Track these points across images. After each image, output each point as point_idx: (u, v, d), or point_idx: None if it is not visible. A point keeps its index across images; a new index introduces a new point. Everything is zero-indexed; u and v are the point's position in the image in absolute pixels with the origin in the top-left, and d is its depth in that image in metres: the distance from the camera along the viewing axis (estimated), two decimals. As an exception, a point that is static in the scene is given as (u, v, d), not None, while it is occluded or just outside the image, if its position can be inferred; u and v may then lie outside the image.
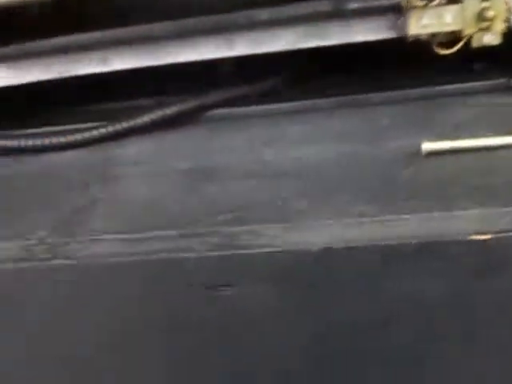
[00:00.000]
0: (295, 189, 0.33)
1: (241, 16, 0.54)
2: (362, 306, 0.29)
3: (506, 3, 0.45)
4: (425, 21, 0.43)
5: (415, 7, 0.43)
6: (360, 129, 0.42)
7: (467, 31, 0.44)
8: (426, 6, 0.43)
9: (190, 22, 0.50)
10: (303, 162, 0.37)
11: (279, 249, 0.28)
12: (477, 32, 0.45)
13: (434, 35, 0.45)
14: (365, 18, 0.48)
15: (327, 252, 0.27)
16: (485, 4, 0.43)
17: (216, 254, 0.29)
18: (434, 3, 0.43)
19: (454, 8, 0.43)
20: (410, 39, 0.45)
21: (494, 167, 0.34)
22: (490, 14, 0.43)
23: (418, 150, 0.36)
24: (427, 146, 0.35)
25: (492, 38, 0.46)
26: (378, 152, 0.39)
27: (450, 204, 0.29)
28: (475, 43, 0.46)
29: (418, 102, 0.48)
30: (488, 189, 0.30)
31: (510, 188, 0.30)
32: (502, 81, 0.50)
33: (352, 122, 0.43)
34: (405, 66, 0.51)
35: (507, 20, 0.45)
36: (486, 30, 0.45)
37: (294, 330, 0.29)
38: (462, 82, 0.51)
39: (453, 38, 0.45)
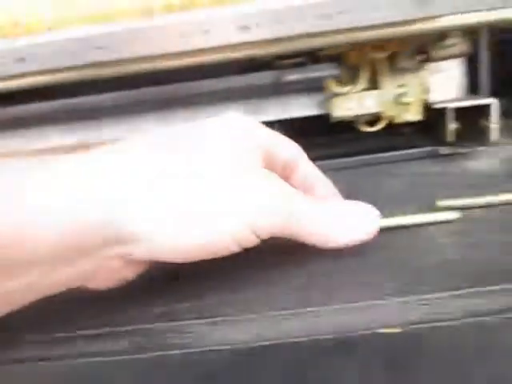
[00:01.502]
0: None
1: (182, 88, 0.56)
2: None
3: (421, 84, 0.47)
4: (347, 104, 0.45)
5: (336, 94, 0.45)
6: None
7: (387, 113, 0.46)
8: (347, 92, 0.45)
9: (128, 94, 0.51)
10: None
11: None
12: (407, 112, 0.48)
13: (357, 116, 0.47)
14: (302, 94, 0.49)
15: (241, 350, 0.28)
16: (402, 90, 0.45)
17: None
18: (356, 90, 0.45)
19: (374, 93, 0.46)
20: (335, 120, 0.47)
21: (415, 250, 0.35)
22: (406, 99, 0.45)
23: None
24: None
25: (415, 114, 0.48)
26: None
27: (368, 294, 0.29)
28: (397, 120, 0.48)
29: (347, 171, 0.50)
30: (404, 276, 0.31)
31: (428, 275, 0.30)
32: (429, 149, 0.51)
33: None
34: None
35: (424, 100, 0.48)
36: (406, 111, 0.46)
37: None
38: (390, 150, 0.52)
39: (376, 117, 0.47)
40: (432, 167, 0.53)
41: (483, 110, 0.50)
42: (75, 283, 0.28)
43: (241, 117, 0.32)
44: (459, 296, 0.28)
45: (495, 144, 0.54)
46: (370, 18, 0.36)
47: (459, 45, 0.43)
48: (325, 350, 0.28)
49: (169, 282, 0.33)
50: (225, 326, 0.29)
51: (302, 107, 0.52)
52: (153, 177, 0.27)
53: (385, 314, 0.28)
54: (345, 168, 0.53)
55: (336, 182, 0.44)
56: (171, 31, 0.37)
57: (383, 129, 0.55)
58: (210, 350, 0.28)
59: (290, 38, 0.37)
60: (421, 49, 0.45)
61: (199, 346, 0.28)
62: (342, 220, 0.32)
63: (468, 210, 0.40)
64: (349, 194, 0.42)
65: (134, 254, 0.28)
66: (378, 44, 0.44)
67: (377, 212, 0.32)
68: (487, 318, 0.27)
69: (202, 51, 0.37)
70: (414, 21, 0.37)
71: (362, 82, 0.46)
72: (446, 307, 0.28)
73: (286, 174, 0.33)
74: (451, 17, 0.37)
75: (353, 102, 0.47)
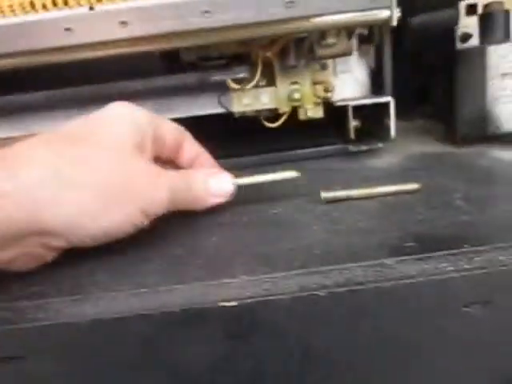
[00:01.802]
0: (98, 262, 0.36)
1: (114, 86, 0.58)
2: (140, 376, 0.31)
3: (324, 83, 0.50)
4: (245, 101, 0.48)
5: (234, 89, 0.47)
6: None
7: (283, 109, 0.49)
8: (242, 89, 0.47)
9: (48, 94, 0.53)
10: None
11: (59, 321, 0.30)
12: (301, 107, 0.50)
13: (258, 111, 0.49)
14: (208, 93, 0.52)
15: (97, 323, 0.30)
16: (293, 87, 0.48)
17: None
18: (249, 86, 0.47)
19: (269, 90, 0.48)
20: (237, 115, 0.50)
21: (280, 235, 0.37)
22: (297, 95, 0.47)
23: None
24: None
25: (315, 112, 0.50)
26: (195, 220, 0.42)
27: (222, 273, 0.32)
28: (302, 116, 0.51)
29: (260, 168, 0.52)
30: (255, 259, 0.34)
31: (276, 258, 0.33)
32: (339, 147, 0.54)
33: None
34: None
35: (327, 98, 0.50)
36: (300, 107, 0.49)
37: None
38: (302, 148, 0.55)
39: (276, 113, 0.50)
40: (338, 163, 0.55)
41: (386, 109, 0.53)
42: (1, 265, 0.32)
43: (127, 106, 0.37)
44: (295, 275, 0.31)
45: (396, 141, 0.57)
46: (243, 17, 0.39)
47: (340, 44, 0.46)
48: (172, 323, 0.30)
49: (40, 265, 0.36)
50: (85, 302, 0.31)
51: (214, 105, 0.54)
52: (59, 177, 0.31)
53: (227, 290, 0.30)
54: (258, 165, 0.55)
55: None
56: (55, 26, 0.39)
57: (298, 127, 0.58)
58: (66, 323, 0.30)
59: (167, 35, 0.39)
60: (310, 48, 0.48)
61: (57, 319, 0.30)
62: (207, 187, 0.40)
63: (350, 200, 0.43)
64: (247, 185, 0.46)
65: (52, 244, 0.32)
66: (265, 43, 0.46)
67: (232, 179, 0.41)
68: (319, 293, 0.29)
69: (86, 46, 0.39)
70: (283, 20, 0.39)
71: (256, 79, 0.48)
72: (280, 285, 0.30)
73: (173, 153, 0.41)
74: (322, 17, 0.40)
75: (249, 98, 0.49)
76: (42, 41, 0.38)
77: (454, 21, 0.53)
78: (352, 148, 0.55)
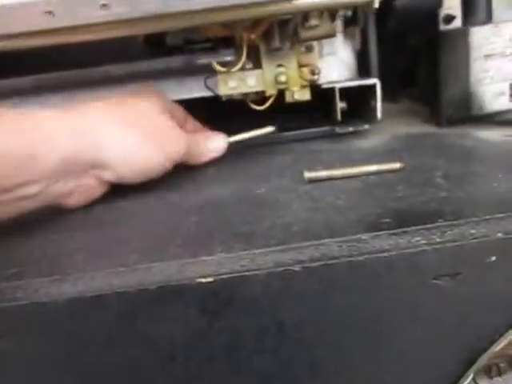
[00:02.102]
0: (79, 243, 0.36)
1: (97, 71, 0.58)
2: (118, 353, 0.31)
3: (304, 69, 0.50)
4: (232, 84, 0.48)
5: (220, 72, 0.47)
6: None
7: (269, 92, 0.49)
8: (228, 71, 0.47)
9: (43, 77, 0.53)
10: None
11: (37, 301, 0.31)
12: (287, 90, 0.50)
13: (245, 94, 0.49)
14: (195, 77, 0.52)
15: (75, 302, 0.30)
16: (280, 70, 0.48)
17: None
18: (235, 69, 0.47)
19: (255, 73, 0.48)
20: (224, 98, 0.50)
21: (263, 214, 0.37)
22: (283, 78, 0.47)
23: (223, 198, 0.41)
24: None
25: (302, 94, 0.50)
26: (178, 200, 0.42)
27: (200, 250, 0.32)
28: (288, 99, 0.51)
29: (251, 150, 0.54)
30: (247, 235, 0.34)
31: (256, 236, 0.33)
32: (327, 128, 0.54)
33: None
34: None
35: (311, 80, 0.50)
36: (286, 89, 0.49)
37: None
38: (291, 130, 0.55)
39: (263, 95, 0.50)
40: (324, 145, 0.55)
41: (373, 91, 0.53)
42: (61, 198, 0.41)
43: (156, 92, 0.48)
44: (272, 251, 0.31)
45: (382, 123, 0.57)
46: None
47: (324, 26, 0.46)
48: (149, 300, 0.30)
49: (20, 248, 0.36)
50: (63, 282, 0.31)
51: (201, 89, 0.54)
52: (113, 125, 0.41)
53: (204, 266, 0.31)
54: (245, 147, 0.55)
55: (236, 158, 0.52)
56: (35, 9, 0.39)
57: (289, 110, 0.58)
58: (44, 302, 0.30)
59: (149, 18, 0.39)
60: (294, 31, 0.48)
61: (35, 299, 0.30)
62: (208, 144, 0.50)
63: (333, 180, 0.43)
64: (236, 167, 0.49)
65: (104, 176, 0.42)
66: (249, 25, 0.46)
67: (225, 137, 0.51)
68: (293, 268, 0.30)
69: (67, 29, 0.39)
70: (266, 2, 0.39)
71: (242, 62, 0.48)
72: (256, 261, 0.30)
73: (181, 124, 0.49)
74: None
75: (236, 81, 0.49)
76: (23, 24, 0.38)
77: (438, 2, 0.53)
78: (338, 130, 0.55)
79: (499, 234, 0.29)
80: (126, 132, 0.41)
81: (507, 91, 0.50)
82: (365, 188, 0.40)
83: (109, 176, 0.42)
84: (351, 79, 0.55)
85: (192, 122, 0.52)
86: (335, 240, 0.31)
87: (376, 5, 0.39)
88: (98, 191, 0.43)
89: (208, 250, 0.32)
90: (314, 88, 0.53)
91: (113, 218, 0.39)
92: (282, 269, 0.29)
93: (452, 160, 0.44)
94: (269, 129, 0.52)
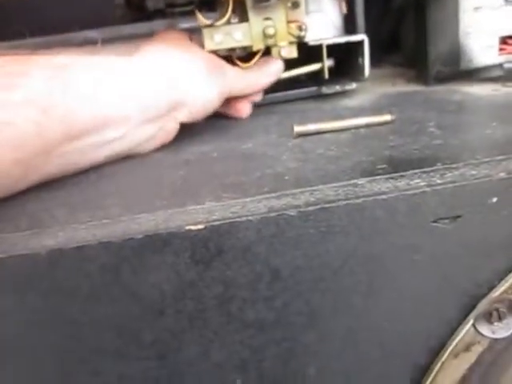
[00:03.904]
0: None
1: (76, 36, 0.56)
2: (103, 307, 0.29)
3: (296, 22, 0.48)
4: (217, 38, 0.45)
5: (205, 26, 0.44)
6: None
7: (257, 47, 0.46)
8: (212, 25, 0.44)
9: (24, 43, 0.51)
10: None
11: (16, 253, 0.28)
12: (274, 46, 0.48)
13: (231, 50, 0.47)
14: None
15: (57, 254, 0.28)
16: (267, 23, 0.45)
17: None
18: (220, 23, 0.44)
19: (242, 26, 0.45)
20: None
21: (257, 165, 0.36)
22: (271, 31, 0.45)
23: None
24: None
25: (289, 52, 0.48)
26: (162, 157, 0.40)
27: (189, 201, 0.30)
28: (275, 56, 0.48)
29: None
30: (237, 185, 0.32)
31: (248, 185, 0.31)
32: (314, 88, 0.52)
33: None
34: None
35: (298, 36, 0.48)
36: (275, 45, 0.46)
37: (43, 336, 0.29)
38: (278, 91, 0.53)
39: (250, 51, 0.47)
40: (311, 105, 0.53)
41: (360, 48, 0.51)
42: (139, 146, 0.40)
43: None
44: (265, 198, 0.29)
45: (368, 84, 0.54)
46: None
47: None
48: (135, 250, 0.28)
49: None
50: (43, 235, 0.29)
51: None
52: (179, 62, 0.42)
53: (193, 215, 0.28)
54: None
55: (219, 121, 0.50)
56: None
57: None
58: (24, 255, 0.28)
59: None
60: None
61: (14, 252, 0.28)
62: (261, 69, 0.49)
63: (323, 133, 0.41)
64: (220, 127, 0.47)
65: (179, 117, 0.42)
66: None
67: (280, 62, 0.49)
68: (288, 212, 0.27)
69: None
70: None
71: (228, 15, 0.45)
72: (248, 207, 0.28)
73: None
74: None
75: (222, 36, 0.47)
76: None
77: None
78: (325, 90, 0.53)
79: (501, 174, 0.27)
80: (193, 68, 0.42)
81: (496, 44, 0.48)
82: (356, 139, 0.38)
83: (184, 115, 0.41)
84: (337, 36, 0.52)
85: None
86: (330, 185, 0.29)
87: None
88: (172, 134, 0.42)
89: (197, 200, 0.29)
90: (300, 47, 0.51)
91: (94, 175, 0.37)
92: (276, 214, 0.27)
93: (443, 112, 0.42)
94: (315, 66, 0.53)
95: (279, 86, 0.54)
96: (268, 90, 0.52)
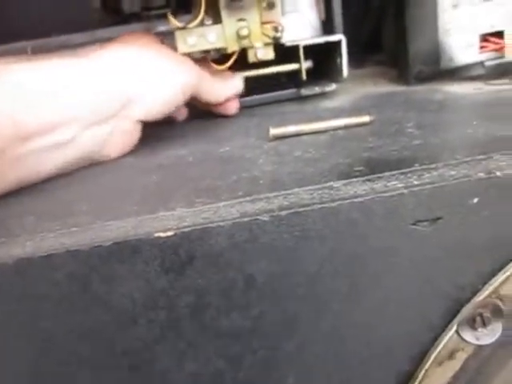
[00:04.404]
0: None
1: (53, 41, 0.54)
2: (73, 316, 0.28)
3: (273, 23, 0.47)
4: (191, 41, 0.44)
5: (178, 28, 0.43)
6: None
7: (231, 48, 0.45)
8: (185, 27, 0.43)
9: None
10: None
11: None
12: (250, 48, 0.47)
13: (206, 52, 0.45)
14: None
15: (24, 263, 0.26)
16: (241, 24, 0.44)
17: None
18: (193, 25, 0.43)
19: (215, 28, 0.44)
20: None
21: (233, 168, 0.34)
22: (245, 32, 0.43)
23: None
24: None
25: (265, 53, 0.47)
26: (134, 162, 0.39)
27: (160, 206, 0.29)
28: (251, 59, 0.47)
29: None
30: (211, 190, 0.31)
31: (218, 189, 0.30)
32: (293, 90, 0.52)
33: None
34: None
35: (274, 37, 0.47)
36: (250, 46, 0.45)
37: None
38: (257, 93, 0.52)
39: (225, 53, 0.46)
40: (290, 107, 0.52)
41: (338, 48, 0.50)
42: (98, 148, 0.39)
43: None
44: (237, 203, 0.28)
45: (349, 84, 0.54)
46: None
47: None
48: (104, 258, 0.26)
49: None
50: (11, 244, 0.28)
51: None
52: (131, 59, 0.41)
53: (163, 221, 0.27)
54: (207, 112, 0.52)
55: (197, 123, 0.50)
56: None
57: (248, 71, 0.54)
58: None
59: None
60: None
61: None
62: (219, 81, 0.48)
63: (300, 135, 0.40)
64: (198, 130, 0.47)
65: (134, 115, 0.40)
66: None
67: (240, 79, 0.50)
68: (262, 218, 0.26)
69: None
70: None
71: (201, 16, 0.44)
72: (220, 212, 0.27)
73: None
74: None
75: (195, 38, 0.45)
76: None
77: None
78: (304, 92, 0.52)
79: (481, 174, 0.26)
80: (150, 66, 0.41)
81: (477, 42, 0.47)
82: (334, 141, 0.37)
83: (139, 114, 0.40)
84: (314, 37, 0.51)
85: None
86: (305, 189, 0.28)
87: None
88: (133, 135, 0.41)
89: (168, 206, 0.28)
90: (277, 48, 0.50)
91: (64, 181, 0.35)
92: (249, 219, 0.26)
93: (423, 112, 0.41)
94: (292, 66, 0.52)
95: (259, 87, 0.53)
96: (248, 93, 0.51)
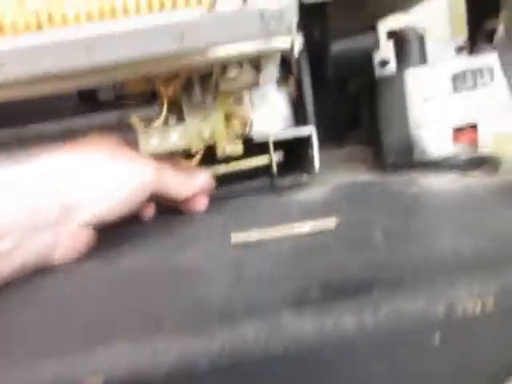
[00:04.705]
0: None
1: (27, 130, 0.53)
2: None
3: (241, 117, 0.45)
4: (153, 141, 0.42)
5: (139, 129, 0.42)
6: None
7: (195, 148, 0.43)
8: (146, 128, 0.42)
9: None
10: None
11: None
12: (219, 143, 0.45)
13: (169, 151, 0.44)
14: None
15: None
16: (204, 124, 0.43)
17: None
18: (155, 125, 0.42)
19: (178, 128, 0.43)
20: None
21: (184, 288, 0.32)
22: (207, 133, 0.42)
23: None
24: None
25: (234, 149, 0.45)
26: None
27: (94, 343, 0.27)
28: (219, 154, 0.46)
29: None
30: (152, 322, 0.28)
31: (174, 321, 0.28)
32: (266, 181, 0.51)
33: None
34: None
35: (242, 134, 0.45)
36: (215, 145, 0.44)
37: None
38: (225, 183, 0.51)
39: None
40: (264, 198, 0.50)
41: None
42: (44, 252, 0.37)
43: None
44: (174, 343, 0.25)
45: (327, 170, 0.52)
46: (128, 54, 0.34)
47: (245, 76, 0.41)
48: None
49: None
50: None
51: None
52: (75, 162, 0.39)
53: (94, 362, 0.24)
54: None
55: (165, 218, 0.48)
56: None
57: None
58: None
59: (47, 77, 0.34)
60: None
61: None
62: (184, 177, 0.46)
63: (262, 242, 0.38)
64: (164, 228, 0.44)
65: (82, 219, 0.38)
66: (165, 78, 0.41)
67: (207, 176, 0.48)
68: (200, 361, 0.24)
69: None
70: (172, 55, 0.35)
71: (163, 117, 0.43)
72: (157, 354, 0.24)
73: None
74: (213, 49, 0.35)
75: (158, 138, 0.44)
76: None
77: (373, 47, 0.49)
78: (278, 182, 0.50)
79: (441, 308, 0.24)
80: (89, 165, 0.39)
81: (450, 134, 0.45)
82: (295, 252, 0.35)
83: (85, 216, 0.38)
84: (287, 129, 0.50)
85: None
86: (253, 324, 0.25)
87: (296, 54, 0.34)
88: (81, 239, 0.39)
89: (104, 343, 0.26)
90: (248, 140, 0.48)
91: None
92: (187, 362, 0.23)
93: (394, 213, 0.39)
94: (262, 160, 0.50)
95: (233, 176, 0.51)
96: (220, 182, 0.50)
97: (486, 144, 0.45)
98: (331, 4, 0.49)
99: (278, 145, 0.50)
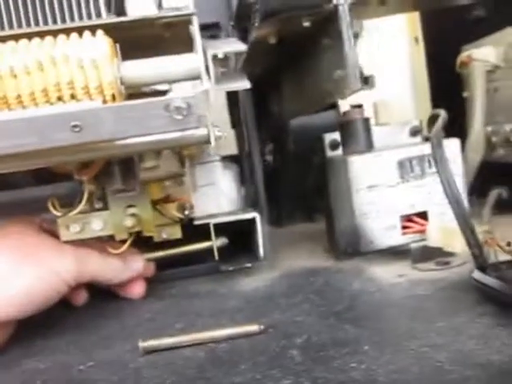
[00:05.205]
0: None
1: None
2: None
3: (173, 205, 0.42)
4: (73, 228, 0.39)
5: (59, 216, 0.39)
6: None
7: (119, 236, 0.40)
8: (65, 214, 0.39)
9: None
10: None
11: None
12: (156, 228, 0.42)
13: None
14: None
15: None
16: (130, 211, 0.40)
17: None
18: (73, 213, 0.39)
19: (102, 214, 0.40)
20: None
21: None
22: (130, 223, 0.39)
23: None
24: None
25: (172, 232, 0.42)
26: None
27: None
28: (157, 239, 0.43)
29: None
30: None
31: None
32: (209, 266, 0.49)
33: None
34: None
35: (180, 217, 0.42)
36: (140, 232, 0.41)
37: None
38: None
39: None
40: (206, 285, 0.47)
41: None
42: None
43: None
44: None
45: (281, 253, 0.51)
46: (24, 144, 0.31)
47: (166, 166, 0.38)
48: None
49: None
50: None
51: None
52: None
53: None
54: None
55: (90, 310, 0.44)
56: None
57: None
58: None
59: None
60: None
61: None
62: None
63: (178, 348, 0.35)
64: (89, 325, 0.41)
65: None
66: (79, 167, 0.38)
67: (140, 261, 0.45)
68: None
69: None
70: (71, 146, 0.32)
71: (82, 204, 0.40)
72: None
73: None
74: (117, 142, 0.32)
75: (79, 225, 0.41)
76: None
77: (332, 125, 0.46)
78: (223, 267, 0.47)
79: None
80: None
81: (398, 224, 0.42)
82: (208, 362, 0.32)
83: None
84: (233, 211, 0.46)
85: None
86: None
87: (212, 142, 0.31)
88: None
89: None
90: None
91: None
92: None
93: (327, 315, 0.36)
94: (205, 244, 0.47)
95: (179, 257, 0.48)
96: (165, 264, 0.47)
97: (435, 235, 0.41)
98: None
99: (229, 224, 0.47)
